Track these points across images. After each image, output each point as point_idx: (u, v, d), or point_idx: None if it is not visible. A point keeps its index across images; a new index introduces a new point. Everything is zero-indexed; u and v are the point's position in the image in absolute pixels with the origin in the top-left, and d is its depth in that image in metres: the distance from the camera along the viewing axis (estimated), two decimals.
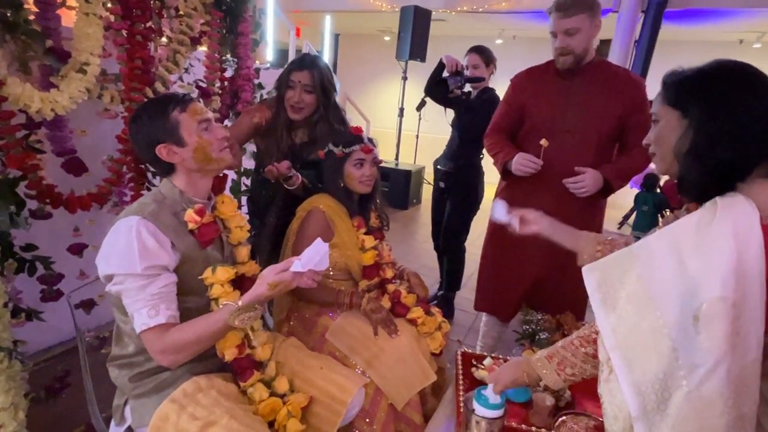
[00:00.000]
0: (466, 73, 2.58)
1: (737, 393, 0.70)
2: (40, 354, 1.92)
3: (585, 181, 1.67)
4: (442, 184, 2.80)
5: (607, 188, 1.73)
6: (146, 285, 0.99)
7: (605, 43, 5.94)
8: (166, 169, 1.13)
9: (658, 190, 4.77)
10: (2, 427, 1.17)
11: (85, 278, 1.59)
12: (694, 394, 0.69)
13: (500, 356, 1.50)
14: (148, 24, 1.52)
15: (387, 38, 8.23)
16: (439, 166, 2.82)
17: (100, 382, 1.26)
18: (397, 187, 5.52)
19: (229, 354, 1.12)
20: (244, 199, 1.98)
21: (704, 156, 0.79)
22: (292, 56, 4.55)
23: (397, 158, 5.95)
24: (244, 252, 1.26)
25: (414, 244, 4.28)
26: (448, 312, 2.82)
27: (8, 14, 1.13)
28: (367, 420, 1.34)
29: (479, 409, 1.08)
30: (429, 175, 6.22)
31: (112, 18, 1.43)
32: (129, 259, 0.98)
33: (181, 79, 1.82)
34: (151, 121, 1.08)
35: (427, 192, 6.25)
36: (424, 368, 1.45)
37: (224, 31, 1.87)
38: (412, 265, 2.02)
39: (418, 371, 1.44)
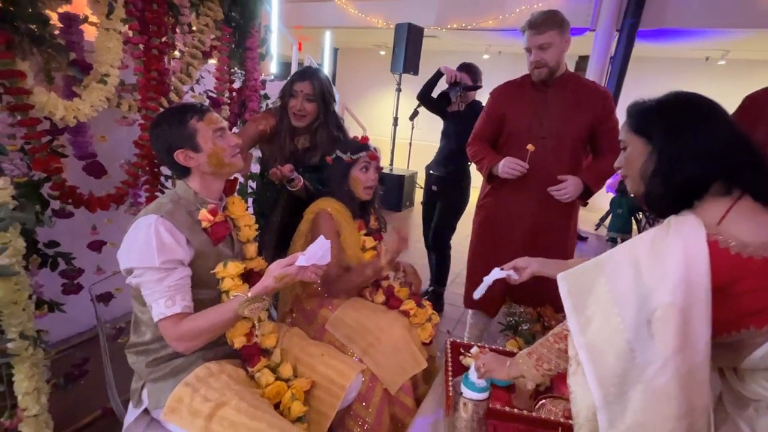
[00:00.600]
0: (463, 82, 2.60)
1: (687, 388, 0.73)
2: (59, 344, 1.91)
3: (567, 188, 1.70)
4: (434, 188, 2.82)
5: (587, 192, 1.76)
6: (163, 278, 1.01)
7: (583, 59, 6.02)
8: (183, 172, 1.14)
9: (632, 195, 4.82)
10: (26, 411, 1.17)
11: (102, 273, 1.59)
12: (648, 388, 0.74)
13: (486, 345, 1.51)
14: (164, 39, 1.53)
15: (382, 53, 8.22)
16: (431, 171, 2.85)
17: (117, 368, 1.27)
18: (392, 190, 5.53)
19: (238, 342, 1.14)
20: (250, 201, 1.99)
21: (666, 178, 0.83)
22: (294, 68, 4.55)
23: (391, 164, 5.95)
24: (252, 249, 1.27)
25: None
26: (438, 306, 2.84)
27: (35, 29, 1.13)
28: (364, 403, 1.35)
29: (466, 392, 1.10)
30: (421, 180, 6.25)
31: (130, 33, 1.43)
32: (148, 253, 1.00)
33: (192, 89, 1.82)
34: (171, 128, 1.10)
35: (419, 195, 6.28)
36: (415, 356, 1.46)
37: (233, 46, 1.87)
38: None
39: (411, 359, 1.44)
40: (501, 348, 1.51)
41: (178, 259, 1.04)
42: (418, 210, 5.83)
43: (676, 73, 6.44)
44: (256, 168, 2.04)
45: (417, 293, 1.71)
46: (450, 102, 2.64)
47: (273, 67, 4.20)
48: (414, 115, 3.32)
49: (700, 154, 0.81)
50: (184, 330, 1.01)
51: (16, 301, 1.11)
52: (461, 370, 1.34)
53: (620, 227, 4.71)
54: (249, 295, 1.03)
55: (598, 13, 4.80)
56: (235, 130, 2.02)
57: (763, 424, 0.79)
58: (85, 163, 1.44)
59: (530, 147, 1.71)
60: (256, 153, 2.01)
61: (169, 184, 1.71)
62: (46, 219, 1.21)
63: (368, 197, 1.59)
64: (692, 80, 6.35)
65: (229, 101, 1.93)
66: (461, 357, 1.47)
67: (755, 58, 5.94)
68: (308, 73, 1.72)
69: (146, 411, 1.11)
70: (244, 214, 1.27)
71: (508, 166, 1.74)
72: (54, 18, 1.23)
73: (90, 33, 1.35)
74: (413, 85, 6.08)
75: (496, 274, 1.34)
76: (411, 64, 5.12)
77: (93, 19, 1.32)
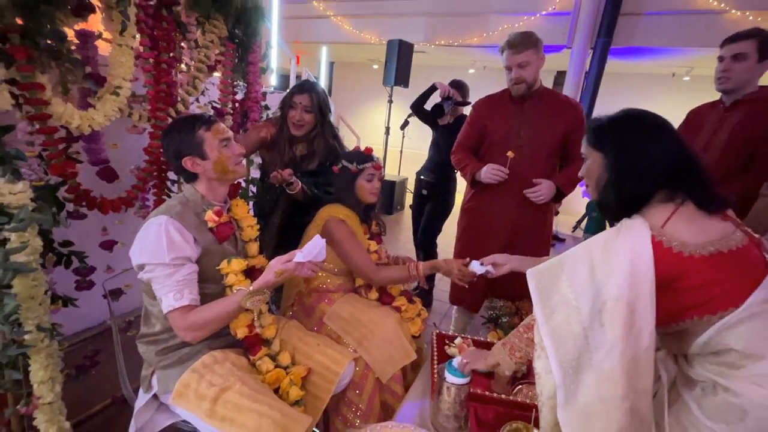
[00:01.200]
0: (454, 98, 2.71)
1: (632, 372, 0.78)
2: (71, 338, 1.91)
3: (541, 190, 1.75)
4: (424, 192, 2.90)
5: (560, 194, 1.82)
6: (173, 273, 1.03)
7: (561, 74, 6.11)
8: (191, 176, 1.16)
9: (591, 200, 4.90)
10: (41, 398, 1.18)
11: (112, 272, 1.60)
12: (597, 369, 0.79)
13: (468, 336, 1.55)
14: (172, 54, 1.54)
15: (375, 66, 8.27)
16: (422, 177, 2.92)
17: (127, 359, 1.29)
18: (384, 195, 5.52)
19: (241, 332, 1.16)
20: (251, 203, 2.01)
21: (616, 188, 0.89)
22: (293, 81, 4.57)
23: (383, 170, 6.00)
24: (254, 247, 1.29)
25: (398, 245, 4.34)
26: (427, 301, 2.89)
27: (54, 45, 1.15)
28: (357, 391, 1.37)
29: (449, 378, 1.13)
30: (411, 185, 6.28)
31: (141, 49, 1.45)
32: (158, 251, 1.02)
33: (198, 100, 1.82)
34: (180, 136, 1.12)
35: (410, 200, 6.31)
36: (406, 348, 1.48)
37: (236, 60, 1.89)
38: None
39: (401, 350, 1.46)
40: (482, 339, 1.55)
41: (186, 256, 1.06)
42: (408, 213, 5.84)
43: (644, 87, 6.57)
44: (256, 173, 2.07)
45: (422, 280, 1.73)
46: (443, 113, 2.74)
47: (273, 79, 4.22)
48: (405, 125, 3.39)
49: (645, 168, 0.86)
50: (192, 321, 1.03)
51: (33, 296, 1.12)
52: (446, 358, 1.37)
53: (595, 229, 4.78)
54: (251, 288, 1.05)
55: (574, 32, 4.90)
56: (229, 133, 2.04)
57: (708, 402, 0.83)
58: (99, 169, 1.45)
59: (510, 154, 1.76)
60: (257, 159, 2.03)
61: (175, 188, 1.72)
62: (62, 220, 1.21)
63: (375, 200, 1.62)
64: (659, 94, 6.50)
65: (232, 111, 1.93)
66: (446, 347, 1.50)
67: None
68: (307, 87, 1.75)
69: (155, 396, 1.13)
70: (246, 215, 1.30)
71: (490, 172, 1.78)
72: (71, 35, 1.24)
73: (104, 48, 1.36)
74: (404, 96, 6.15)
75: (476, 267, 1.38)
76: (402, 78, 5.18)
77: (107, 35, 1.33)
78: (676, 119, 1.90)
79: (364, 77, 8.59)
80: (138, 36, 1.42)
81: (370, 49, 6.54)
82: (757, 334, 0.78)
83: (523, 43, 1.69)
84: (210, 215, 1.13)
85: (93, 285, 1.46)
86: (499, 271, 1.35)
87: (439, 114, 2.77)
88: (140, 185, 1.55)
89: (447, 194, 2.86)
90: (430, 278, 2.94)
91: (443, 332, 1.56)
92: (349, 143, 1.91)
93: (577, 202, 6.03)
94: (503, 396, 1.24)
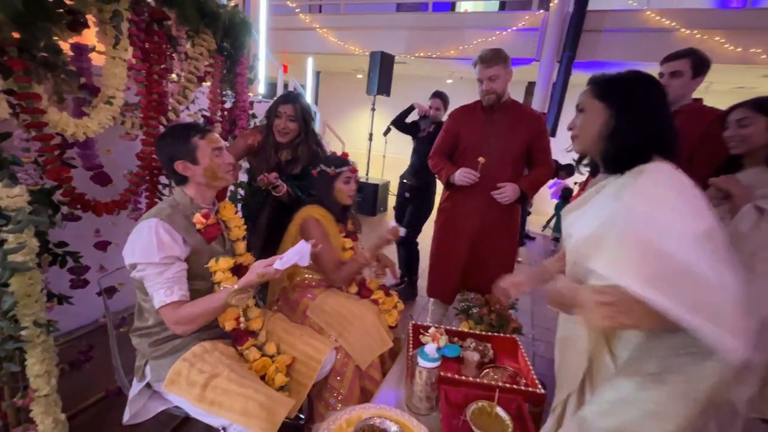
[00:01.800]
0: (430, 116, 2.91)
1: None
2: (65, 335, 1.89)
3: (506, 191, 1.84)
4: (407, 194, 3.03)
5: (524, 196, 1.90)
6: (163, 271, 1.05)
7: (531, 85, 6.27)
8: (181, 180, 1.18)
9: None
10: (37, 391, 1.18)
11: (105, 271, 1.60)
12: None
13: (442, 326, 1.61)
14: (163, 66, 1.56)
15: (359, 76, 8.31)
16: (405, 181, 3.05)
17: (121, 352, 1.29)
18: (368, 197, 5.61)
19: (229, 325, 1.18)
20: (239, 206, 2.03)
21: (623, 137, 0.86)
22: (280, 89, 4.56)
23: (367, 174, 6.03)
24: (241, 246, 1.32)
25: None
26: (412, 292, 3.04)
27: (49, 57, 1.16)
28: (338, 378, 1.41)
29: (421, 362, 1.17)
30: (394, 188, 6.33)
31: (134, 61, 1.46)
32: (149, 251, 1.04)
33: (188, 108, 1.84)
34: (175, 141, 1.14)
35: (392, 202, 6.35)
36: (383, 337, 1.52)
37: (225, 71, 1.90)
38: None
39: (379, 340, 1.50)
40: (455, 329, 1.61)
41: (176, 255, 1.08)
42: (392, 215, 5.92)
43: None
44: (244, 177, 2.09)
45: (393, 273, 1.79)
46: (420, 130, 2.95)
47: (261, 87, 4.22)
48: (387, 131, 3.47)
49: (651, 121, 0.85)
50: (181, 315, 1.05)
51: (29, 294, 1.12)
52: (420, 346, 1.40)
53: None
54: (236, 287, 1.08)
55: (542, 47, 5.06)
56: (226, 144, 2.06)
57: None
58: (93, 173, 1.45)
59: (481, 159, 1.84)
60: (245, 164, 2.06)
61: (166, 192, 1.73)
62: (58, 222, 1.22)
63: (351, 201, 1.67)
64: None
65: (220, 119, 1.95)
66: (420, 336, 1.55)
67: None
68: (291, 97, 1.79)
69: (148, 385, 1.15)
70: (234, 216, 1.32)
71: (463, 175, 1.86)
72: (66, 47, 1.25)
73: (98, 59, 1.37)
74: (386, 104, 6.22)
75: (392, 224, 1.58)
76: (384, 87, 5.25)
77: (100, 47, 1.34)
78: None
79: (349, 86, 8.63)
80: (131, 49, 1.43)
81: (354, 59, 6.59)
82: None
83: (493, 59, 1.78)
84: (198, 218, 1.15)
85: (87, 284, 1.45)
86: (521, 290, 1.18)
87: (416, 130, 2.98)
88: (133, 189, 1.56)
89: (428, 197, 2.99)
90: (414, 270, 3.04)
91: (418, 323, 1.61)
92: (336, 149, 1.95)
93: (546, 203, 6.21)
94: (471, 378, 1.28)
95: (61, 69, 1.21)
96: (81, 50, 1.31)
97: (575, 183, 5.36)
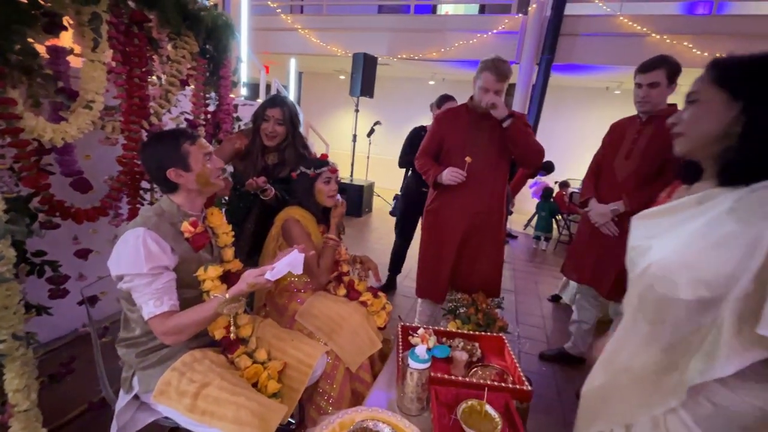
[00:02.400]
0: None
1: None
2: (43, 347, 1.83)
3: (498, 103, 1.76)
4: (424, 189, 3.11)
5: (512, 128, 1.78)
6: (151, 281, 1.02)
7: (512, 86, 6.40)
8: (171, 188, 1.15)
9: (552, 200, 5.19)
10: (16, 406, 1.14)
11: (85, 279, 1.55)
12: None
13: (430, 327, 1.62)
14: (144, 69, 1.51)
15: (342, 77, 8.28)
16: (423, 189, 3.11)
17: (104, 363, 1.25)
18: (352, 198, 5.58)
19: (218, 333, 1.16)
20: (223, 210, 2.00)
21: (760, 139, 0.64)
22: (262, 90, 4.50)
23: (351, 175, 6.01)
24: (229, 253, 1.30)
25: (366, 244, 4.37)
26: (391, 286, 3.19)
27: (25, 61, 1.11)
28: (329, 381, 1.40)
29: (412, 364, 1.17)
30: (379, 189, 6.34)
31: (113, 64, 1.41)
32: (137, 261, 1.01)
33: (169, 111, 1.78)
34: (165, 148, 1.11)
35: (377, 202, 6.36)
36: (372, 339, 1.53)
37: (208, 74, 1.87)
38: None
39: (368, 341, 1.50)
40: (443, 329, 1.62)
41: (164, 265, 1.05)
42: (376, 215, 5.92)
43: (582, 99, 7.01)
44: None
45: (376, 275, 1.80)
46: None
47: (242, 90, 4.15)
48: (371, 132, 3.49)
49: None
50: (171, 326, 1.03)
51: (7, 306, 1.09)
52: (409, 347, 1.40)
53: (544, 227, 5.05)
54: (227, 296, 1.06)
55: (521, 50, 5.16)
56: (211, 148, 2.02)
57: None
58: (73, 180, 1.40)
59: (468, 159, 1.86)
60: (230, 168, 2.02)
61: (147, 197, 1.69)
62: (36, 230, 1.17)
63: (332, 203, 1.67)
64: (595, 105, 6.95)
65: (204, 123, 1.92)
66: (410, 337, 1.56)
67: None
68: (278, 101, 1.77)
69: (136, 396, 1.12)
70: (221, 223, 1.30)
71: (451, 174, 1.88)
72: (42, 50, 1.20)
73: (75, 61, 1.32)
74: (369, 106, 6.22)
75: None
76: (367, 89, 5.24)
77: (78, 49, 1.29)
78: (606, 129, 2.09)
79: (332, 87, 8.58)
80: (110, 51, 1.39)
81: (336, 60, 6.56)
82: None
83: (509, 74, 1.79)
84: (186, 226, 1.13)
85: (67, 293, 1.41)
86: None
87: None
88: (114, 194, 1.51)
89: (419, 197, 3.07)
90: (398, 266, 3.15)
91: (407, 324, 1.62)
92: (320, 150, 1.94)
93: (527, 203, 6.35)
94: (460, 378, 1.29)
95: (37, 73, 1.17)
96: (58, 53, 1.26)
97: (555, 182, 5.50)
